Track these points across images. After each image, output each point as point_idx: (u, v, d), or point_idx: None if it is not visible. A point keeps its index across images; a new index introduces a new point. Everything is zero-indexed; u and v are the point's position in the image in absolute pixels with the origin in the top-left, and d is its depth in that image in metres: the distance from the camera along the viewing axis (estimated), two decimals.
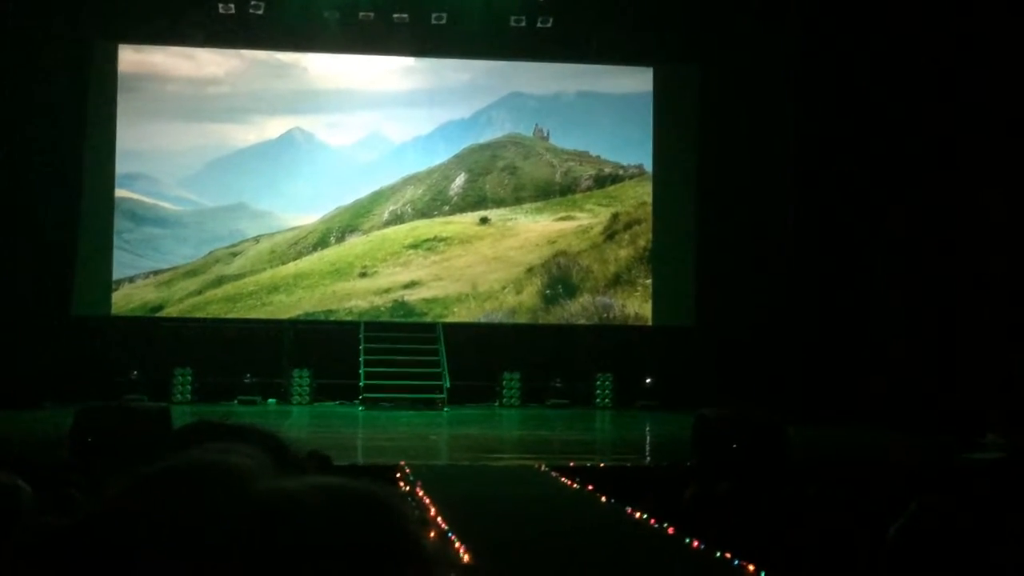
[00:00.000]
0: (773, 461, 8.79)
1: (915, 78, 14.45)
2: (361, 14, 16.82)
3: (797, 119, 16.10)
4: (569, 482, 7.99)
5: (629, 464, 10.11)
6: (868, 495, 5.25)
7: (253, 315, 17.27)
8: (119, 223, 17.03)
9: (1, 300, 15.18)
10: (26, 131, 15.73)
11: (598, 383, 17.05)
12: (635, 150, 18.13)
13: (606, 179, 18.20)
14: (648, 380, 16.86)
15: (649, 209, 17.96)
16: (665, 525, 5.71)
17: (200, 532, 0.68)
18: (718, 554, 4.91)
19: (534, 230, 17.95)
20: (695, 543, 5.18)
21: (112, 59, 16.98)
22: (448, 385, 16.17)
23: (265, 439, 1.32)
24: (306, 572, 0.68)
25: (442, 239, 17.83)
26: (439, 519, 5.95)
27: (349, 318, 17.27)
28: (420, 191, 17.96)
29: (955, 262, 13.68)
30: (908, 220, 14.64)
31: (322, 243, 17.66)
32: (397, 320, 17.35)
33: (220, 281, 17.37)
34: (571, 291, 17.76)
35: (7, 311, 15.17)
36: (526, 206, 18.03)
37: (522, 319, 17.62)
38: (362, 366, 16.24)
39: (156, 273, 17.30)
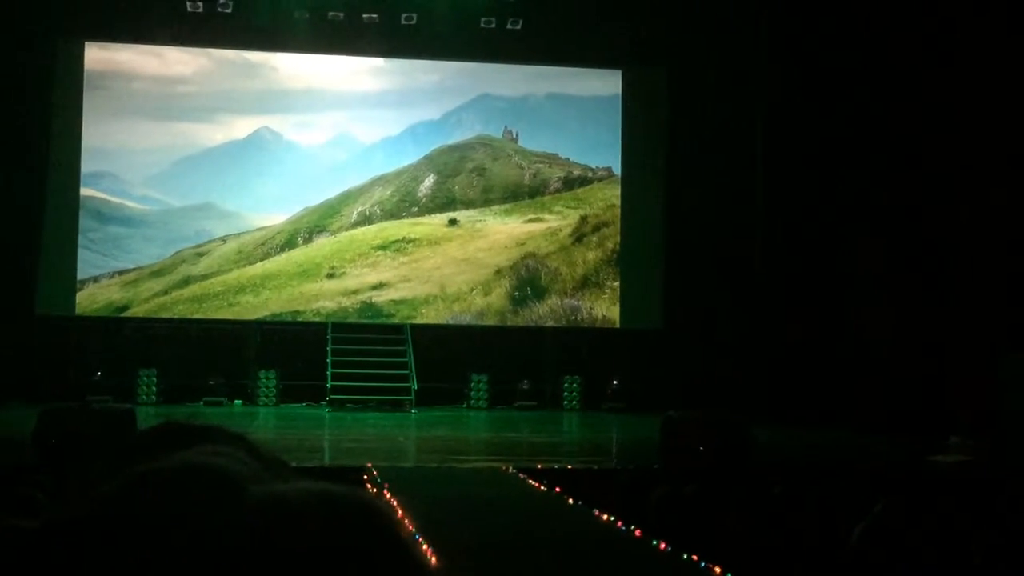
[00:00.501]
0: (738, 463, 8.83)
1: (887, 78, 14.56)
2: (331, 14, 16.77)
3: (765, 121, 16.19)
4: (537, 484, 7.99)
5: (596, 466, 10.12)
6: (834, 497, 5.29)
7: (219, 316, 17.16)
8: (84, 222, 16.88)
9: None
10: None
11: (566, 385, 17.07)
12: (604, 152, 18.18)
13: (575, 181, 18.24)
14: (615, 382, 16.89)
15: (617, 212, 18.01)
16: (632, 527, 5.73)
17: (192, 534, 0.67)
18: (685, 556, 4.93)
19: (503, 232, 17.95)
20: (662, 545, 5.20)
21: (78, 57, 16.84)
22: (416, 387, 16.13)
23: (233, 441, 1.31)
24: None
25: (410, 240, 17.80)
26: (406, 521, 5.93)
27: (316, 319, 17.21)
28: (389, 192, 17.92)
29: (925, 264, 13.79)
30: (878, 221, 14.74)
31: (290, 244, 17.59)
32: (365, 321, 17.30)
33: (186, 281, 17.26)
34: (539, 293, 17.78)
35: None
36: (495, 208, 18.04)
37: (490, 321, 17.62)
38: (329, 367, 16.18)
39: (121, 273, 17.16)
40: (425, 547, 5.17)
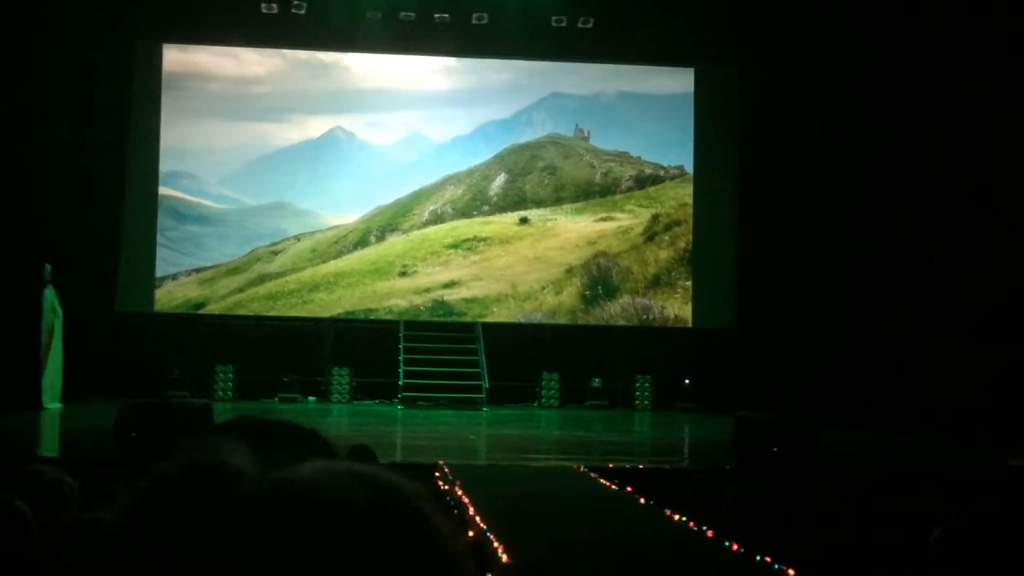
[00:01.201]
0: (809, 464, 8.74)
1: (961, 77, 14.29)
2: (402, 14, 16.88)
3: (838, 120, 15.97)
4: (607, 483, 7.97)
5: (668, 466, 10.07)
6: (908, 499, 5.20)
7: (294, 313, 17.38)
8: (162, 221, 17.20)
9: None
10: (72, 129, 15.91)
11: (637, 384, 17.00)
12: (676, 151, 18.06)
13: (646, 180, 18.14)
14: (687, 381, 16.78)
15: (689, 210, 17.88)
16: (704, 528, 5.69)
17: (193, 534, 0.67)
18: (758, 557, 4.88)
19: (574, 231, 17.93)
20: (734, 546, 5.16)
21: (157, 59, 17.16)
22: (487, 385, 16.18)
23: (305, 435, 1.33)
24: (317, 569, 0.67)
25: (482, 239, 17.86)
26: (477, 519, 5.96)
27: (389, 317, 17.33)
28: (460, 191, 17.99)
29: (1004, 264, 13.52)
30: (954, 221, 14.48)
31: (362, 242, 17.74)
32: (436, 319, 17.39)
33: (262, 279, 17.50)
34: (611, 292, 17.72)
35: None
36: (566, 206, 18.02)
37: (561, 320, 17.61)
38: (401, 365, 16.30)
39: (199, 271, 17.45)
40: (496, 544, 5.19)
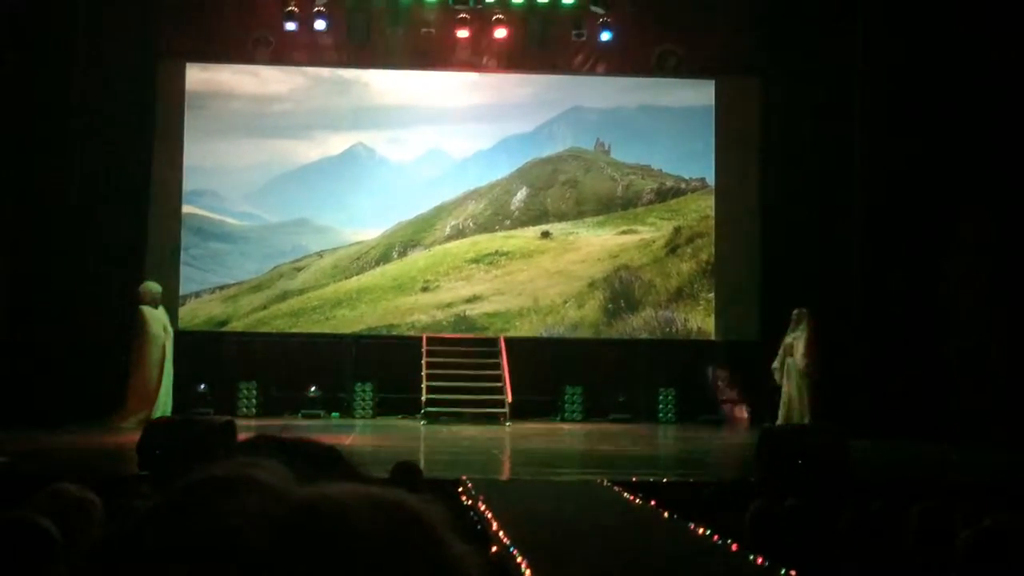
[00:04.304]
0: (838, 476, 8.68)
1: (986, 87, 14.21)
2: (423, 30, 16.95)
3: (861, 132, 15.91)
4: (631, 497, 7.94)
5: (692, 479, 10.02)
6: (937, 511, 5.15)
7: (316, 329, 17.41)
8: (185, 239, 17.28)
9: (70, 313, 15.40)
10: (95, 148, 16.01)
11: (660, 398, 16.95)
12: (697, 163, 18.03)
13: (668, 192, 18.12)
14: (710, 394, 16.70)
15: (711, 223, 17.84)
16: (729, 541, 5.65)
17: (238, 535, 0.68)
18: (783, 571, 4.85)
19: (596, 244, 17.91)
20: (759, 560, 5.12)
21: (180, 78, 17.27)
22: (510, 400, 16.15)
23: (323, 452, 1.33)
24: None
25: (503, 253, 17.86)
26: (501, 534, 5.94)
27: (411, 332, 17.35)
28: (481, 205, 18.01)
29: None
30: (982, 231, 14.38)
31: (384, 258, 17.77)
32: (459, 334, 17.38)
33: (284, 296, 17.55)
34: (633, 305, 17.69)
35: (77, 324, 15.42)
36: (588, 220, 18.00)
37: (584, 333, 17.58)
38: (424, 380, 16.30)
39: (222, 288, 17.52)
40: (519, 560, 5.17)
